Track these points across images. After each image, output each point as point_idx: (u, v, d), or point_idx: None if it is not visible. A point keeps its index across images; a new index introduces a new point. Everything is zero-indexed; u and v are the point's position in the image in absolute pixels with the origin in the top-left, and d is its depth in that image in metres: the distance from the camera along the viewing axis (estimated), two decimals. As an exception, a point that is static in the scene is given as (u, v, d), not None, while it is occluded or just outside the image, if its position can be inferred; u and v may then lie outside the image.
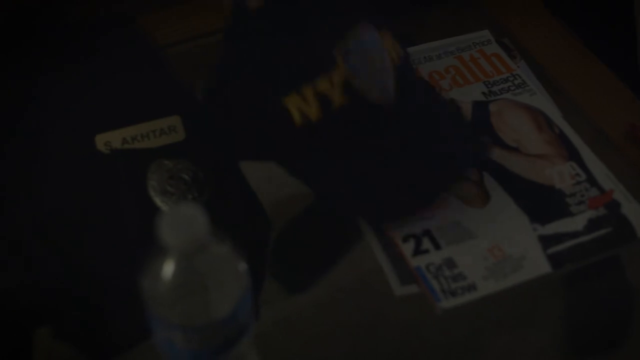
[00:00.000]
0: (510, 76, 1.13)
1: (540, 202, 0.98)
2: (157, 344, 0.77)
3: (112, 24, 1.16)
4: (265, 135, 0.95)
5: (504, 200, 0.98)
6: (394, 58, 0.97)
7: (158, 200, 0.93)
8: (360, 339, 0.88)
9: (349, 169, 0.94)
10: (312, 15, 0.94)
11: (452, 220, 0.96)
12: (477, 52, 1.16)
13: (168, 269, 0.69)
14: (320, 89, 0.92)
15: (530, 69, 1.15)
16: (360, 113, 0.94)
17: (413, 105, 0.98)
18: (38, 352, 0.86)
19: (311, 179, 0.97)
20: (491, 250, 0.93)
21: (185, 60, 1.15)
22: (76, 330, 0.87)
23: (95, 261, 0.90)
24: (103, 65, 1.08)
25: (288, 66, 0.93)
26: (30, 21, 1.13)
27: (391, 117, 0.95)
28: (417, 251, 0.93)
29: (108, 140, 0.98)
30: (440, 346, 0.88)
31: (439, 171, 0.96)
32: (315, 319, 0.89)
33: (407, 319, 0.90)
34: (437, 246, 0.93)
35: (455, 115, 1.04)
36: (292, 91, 0.92)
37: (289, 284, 0.93)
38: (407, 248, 0.93)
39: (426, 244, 0.94)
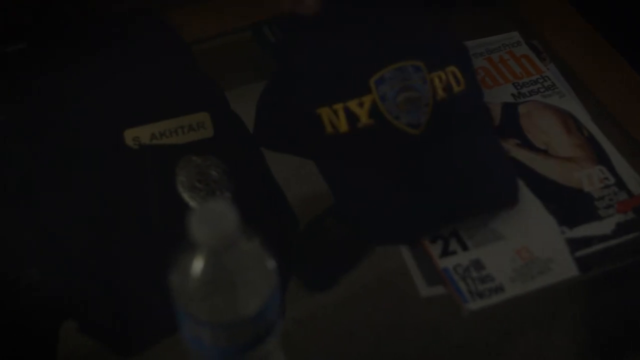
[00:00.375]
0: (539, 78, 1.12)
1: (569, 205, 0.98)
2: (184, 341, 0.77)
3: (141, 19, 1.16)
4: (299, 133, 1.00)
5: (532, 203, 0.98)
6: (440, 94, 0.99)
7: (186, 196, 0.93)
8: (383, 339, 0.88)
9: (365, 182, 0.97)
10: (359, 43, 1.00)
11: (481, 222, 0.95)
12: (506, 53, 1.16)
13: (197, 265, 0.69)
14: (349, 106, 0.96)
15: (560, 72, 1.14)
16: (383, 136, 0.97)
17: (448, 139, 0.99)
18: (63, 346, 0.86)
19: (332, 182, 0.99)
20: (519, 252, 0.93)
21: (211, 57, 1.15)
22: (102, 325, 0.87)
23: (123, 256, 0.90)
24: (132, 60, 1.08)
25: (325, 85, 0.99)
26: (59, 15, 1.14)
27: (416, 146, 0.97)
28: (445, 252, 0.93)
29: (137, 135, 0.98)
30: (464, 348, 0.88)
31: (453, 206, 0.96)
32: (337, 318, 0.90)
33: (431, 319, 0.90)
34: (465, 247, 0.93)
35: (497, 157, 1.03)
36: (325, 105, 0.97)
37: (312, 283, 0.93)
38: (435, 249, 0.93)
39: (454, 245, 0.93)
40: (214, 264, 0.68)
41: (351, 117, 0.96)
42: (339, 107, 0.96)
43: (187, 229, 0.66)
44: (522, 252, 0.93)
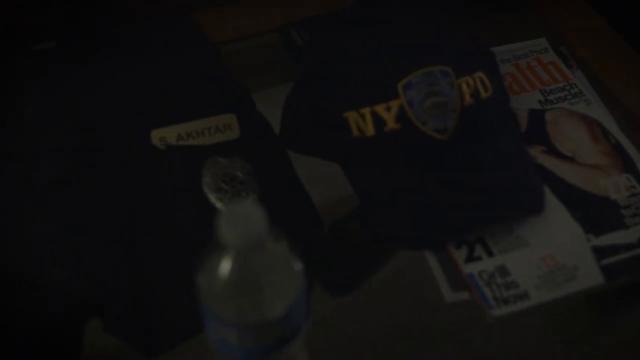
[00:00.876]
0: (567, 85, 1.12)
1: (595, 213, 0.97)
2: (210, 342, 0.77)
3: (169, 19, 1.17)
4: (325, 137, 1.00)
5: (558, 210, 0.97)
6: (467, 100, 0.99)
7: (212, 197, 0.94)
8: (403, 343, 0.88)
9: (391, 187, 0.97)
10: (387, 47, 1.00)
11: (506, 228, 0.95)
12: (533, 60, 1.16)
13: (224, 266, 0.69)
14: (377, 111, 0.96)
15: (587, 79, 1.14)
16: (410, 140, 0.97)
17: (475, 145, 0.99)
18: (87, 345, 0.87)
19: (357, 186, 0.99)
20: (544, 259, 0.92)
21: (237, 58, 1.15)
22: (126, 325, 0.87)
23: (148, 256, 0.90)
24: (159, 61, 1.09)
25: (353, 88, 0.99)
26: (88, 15, 1.14)
27: (442, 152, 0.97)
28: (470, 258, 0.92)
29: (163, 135, 0.99)
30: (487, 354, 0.87)
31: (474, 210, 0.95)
32: (358, 320, 0.89)
33: (450, 324, 0.90)
34: (490, 253, 0.93)
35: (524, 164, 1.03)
36: (352, 109, 0.97)
37: (333, 286, 0.93)
38: (460, 254, 0.93)
39: (479, 250, 0.93)
40: (241, 265, 0.69)
41: (378, 121, 0.96)
42: (366, 111, 0.96)
43: (215, 230, 0.67)
44: (547, 259, 0.92)
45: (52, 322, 0.88)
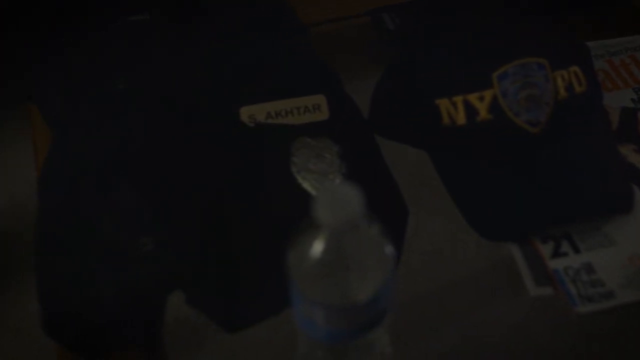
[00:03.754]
0: (661, 84, 1.11)
1: (685, 214, 0.96)
2: (296, 319, 0.77)
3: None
4: (415, 122, 1.00)
5: (647, 209, 0.96)
6: (561, 93, 0.98)
7: (299, 178, 0.94)
8: (470, 333, 0.88)
9: (479, 177, 0.97)
10: (483, 36, 1.00)
11: (594, 226, 0.94)
12: (628, 57, 1.14)
13: (316, 245, 0.69)
14: (469, 99, 0.96)
15: (682, 79, 1.12)
16: (501, 131, 0.97)
17: (566, 140, 0.98)
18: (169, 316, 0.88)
19: (444, 174, 0.99)
20: (631, 259, 0.91)
21: (327, 40, 1.15)
22: (210, 298, 0.88)
23: (235, 231, 0.91)
24: (250, 38, 1.09)
25: (446, 76, 0.99)
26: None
27: (533, 145, 0.97)
28: (556, 253, 0.92)
29: (252, 113, 0.99)
30: (569, 351, 0.87)
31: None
32: (430, 307, 0.90)
33: (534, 319, 0.89)
34: (577, 250, 0.92)
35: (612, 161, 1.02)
36: (444, 96, 0.97)
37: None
38: (546, 249, 0.92)
39: (565, 247, 0.92)
40: (333, 246, 0.69)
41: (470, 110, 0.96)
42: (458, 99, 0.96)
43: (311, 209, 0.67)
44: (634, 259, 0.91)
45: (137, 291, 0.89)
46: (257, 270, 0.88)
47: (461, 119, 0.96)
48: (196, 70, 1.04)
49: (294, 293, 0.74)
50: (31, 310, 1.41)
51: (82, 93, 1.02)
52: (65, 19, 1.11)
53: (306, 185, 0.94)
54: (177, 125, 0.98)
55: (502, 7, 1.04)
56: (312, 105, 1.01)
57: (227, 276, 0.88)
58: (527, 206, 0.93)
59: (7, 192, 1.75)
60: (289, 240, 0.71)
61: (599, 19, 1.19)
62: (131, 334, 0.87)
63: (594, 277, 0.90)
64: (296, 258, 0.71)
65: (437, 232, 0.97)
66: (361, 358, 0.80)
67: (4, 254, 1.70)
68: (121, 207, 0.93)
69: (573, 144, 0.97)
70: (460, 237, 0.96)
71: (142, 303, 0.88)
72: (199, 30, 1.09)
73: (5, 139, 1.66)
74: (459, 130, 0.97)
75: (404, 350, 0.86)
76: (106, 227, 0.92)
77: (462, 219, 0.96)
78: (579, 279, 0.90)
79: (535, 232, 0.94)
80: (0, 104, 1.28)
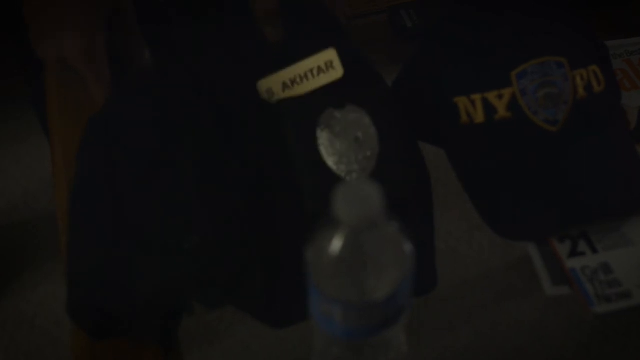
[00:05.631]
0: (680, 85, 1.10)
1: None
2: (313, 315, 0.77)
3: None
4: (433, 120, 0.99)
5: (666, 210, 0.96)
6: (580, 92, 0.98)
7: (330, 162, 0.91)
8: (490, 333, 0.88)
9: (497, 175, 0.96)
10: (501, 34, 0.99)
11: (611, 226, 0.94)
12: (646, 57, 1.14)
13: (335, 242, 0.69)
14: (488, 97, 0.96)
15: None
16: (519, 130, 0.96)
17: (585, 139, 0.97)
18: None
19: (461, 171, 0.99)
20: (649, 260, 0.91)
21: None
22: (252, 296, 0.86)
23: (277, 223, 0.89)
24: None
25: (464, 74, 0.98)
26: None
27: (551, 143, 0.96)
28: (573, 253, 0.92)
29: (269, 86, 0.95)
30: (584, 351, 0.87)
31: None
32: (444, 306, 0.90)
33: (548, 319, 0.89)
34: (594, 250, 0.92)
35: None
36: (462, 94, 0.97)
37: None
38: (563, 249, 0.92)
39: (582, 246, 0.92)
40: (352, 244, 0.69)
41: (489, 108, 0.96)
42: (477, 97, 0.96)
43: (331, 206, 0.67)
44: (652, 259, 0.92)
45: (172, 285, 0.85)
46: (300, 267, 0.85)
47: (479, 117, 0.96)
48: (214, 47, 1.01)
49: (312, 289, 0.74)
50: (45, 305, 1.42)
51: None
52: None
53: (336, 169, 0.91)
54: (205, 107, 0.95)
55: (520, 4, 1.04)
56: (325, 63, 0.95)
57: (270, 270, 0.86)
58: (546, 205, 0.93)
59: (21, 187, 1.77)
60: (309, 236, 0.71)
61: (618, 18, 1.19)
62: (153, 329, 0.85)
63: (611, 277, 0.90)
64: (315, 254, 0.71)
65: (451, 231, 0.97)
66: (377, 355, 0.80)
67: (19, 248, 1.71)
68: (174, 202, 0.89)
69: (592, 143, 0.97)
70: (474, 236, 0.96)
71: (173, 298, 0.86)
72: (220, 9, 1.06)
73: (19, 134, 1.67)
74: (477, 128, 0.96)
75: (417, 348, 0.86)
76: (149, 217, 0.88)
77: (475, 218, 0.96)
78: (596, 278, 0.90)
79: (553, 232, 0.93)
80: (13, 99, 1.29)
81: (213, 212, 0.88)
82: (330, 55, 0.95)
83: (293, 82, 0.95)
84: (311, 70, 0.95)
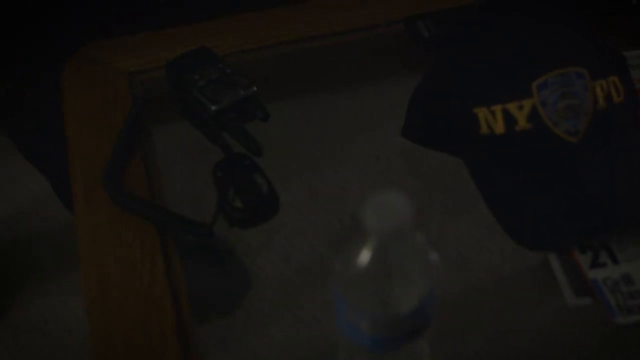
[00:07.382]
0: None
1: None
2: (337, 323, 0.77)
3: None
4: (452, 130, 0.99)
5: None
6: (600, 103, 0.97)
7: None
8: (500, 341, 0.88)
9: (517, 186, 0.96)
10: (522, 45, 1.00)
11: (633, 237, 0.94)
12: (664, 67, 1.14)
13: (363, 252, 0.69)
14: (508, 108, 0.96)
15: None
16: (540, 141, 0.96)
17: (605, 150, 0.97)
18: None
19: (481, 183, 0.98)
20: (671, 271, 0.91)
21: (361, 47, 1.15)
22: None
23: None
24: None
25: (484, 84, 0.98)
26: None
27: (572, 154, 0.96)
28: (595, 264, 0.92)
29: None
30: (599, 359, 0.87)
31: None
32: (455, 313, 0.89)
33: (565, 327, 0.89)
34: (615, 261, 0.92)
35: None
36: (482, 105, 0.96)
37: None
38: (584, 259, 0.92)
39: (603, 257, 0.92)
40: (379, 254, 0.69)
41: (509, 119, 0.95)
42: (497, 108, 0.96)
43: (361, 216, 0.67)
44: (673, 271, 0.91)
45: None
46: None
47: (500, 128, 0.96)
48: None
49: (337, 298, 0.74)
50: (55, 312, 1.42)
51: None
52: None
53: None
54: None
55: (540, 14, 1.04)
56: None
57: None
58: (566, 216, 0.93)
59: (31, 194, 1.77)
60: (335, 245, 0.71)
61: (636, 28, 1.19)
62: None
63: (632, 289, 0.90)
64: (342, 264, 0.71)
65: (462, 239, 0.97)
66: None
67: (29, 255, 1.72)
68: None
69: (612, 154, 0.97)
70: (485, 244, 0.96)
71: None
72: None
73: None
74: (497, 139, 0.96)
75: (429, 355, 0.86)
76: None
77: (487, 225, 0.96)
78: (618, 289, 0.89)
79: (573, 242, 0.93)
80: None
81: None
82: None
83: None
84: None
